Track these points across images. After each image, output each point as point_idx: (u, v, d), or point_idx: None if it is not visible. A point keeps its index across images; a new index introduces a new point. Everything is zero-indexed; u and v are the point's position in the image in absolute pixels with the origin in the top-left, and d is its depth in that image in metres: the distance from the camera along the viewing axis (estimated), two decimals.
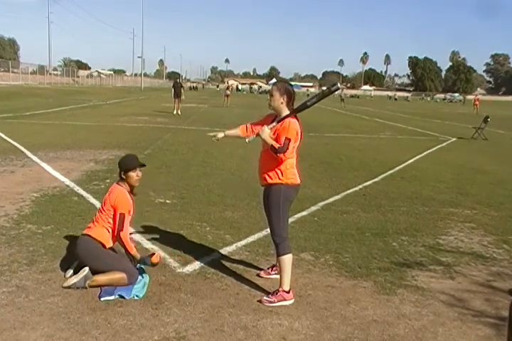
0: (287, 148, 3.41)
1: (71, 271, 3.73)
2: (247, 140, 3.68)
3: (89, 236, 3.71)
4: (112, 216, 3.71)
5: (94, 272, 3.61)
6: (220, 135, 3.79)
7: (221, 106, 31.19)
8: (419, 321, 3.36)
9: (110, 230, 3.72)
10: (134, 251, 3.74)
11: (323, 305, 3.53)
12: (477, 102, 41.89)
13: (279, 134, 3.47)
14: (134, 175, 3.76)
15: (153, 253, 3.80)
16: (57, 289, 3.54)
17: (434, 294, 3.82)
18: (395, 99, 79.86)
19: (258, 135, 3.55)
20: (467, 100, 72.71)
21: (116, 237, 3.70)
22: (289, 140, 3.42)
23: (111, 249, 3.76)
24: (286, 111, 3.55)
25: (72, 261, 3.88)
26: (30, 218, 5.19)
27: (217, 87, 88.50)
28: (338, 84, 3.61)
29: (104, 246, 3.69)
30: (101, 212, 3.78)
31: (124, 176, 3.76)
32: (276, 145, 3.42)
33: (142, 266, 3.92)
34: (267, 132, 3.50)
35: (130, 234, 4.14)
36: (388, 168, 9.51)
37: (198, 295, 3.57)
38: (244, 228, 5.24)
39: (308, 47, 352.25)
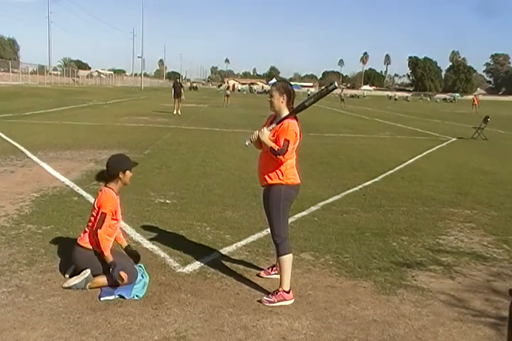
0: (287, 150, 3.41)
1: (70, 272, 3.73)
2: (246, 143, 3.67)
3: (81, 246, 3.67)
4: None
5: (95, 274, 3.61)
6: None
7: (221, 106, 31.22)
8: (419, 321, 3.36)
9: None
10: (107, 253, 3.55)
11: (323, 305, 3.53)
12: (476, 102, 42.17)
13: (278, 136, 3.46)
14: (131, 174, 3.78)
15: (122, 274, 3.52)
16: (57, 289, 3.54)
17: (434, 294, 3.82)
18: (395, 99, 79.67)
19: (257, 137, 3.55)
20: (468, 100, 71.92)
21: (93, 235, 3.59)
22: (288, 141, 3.42)
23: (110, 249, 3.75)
24: (286, 111, 3.55)
25: (71, 261, 3.87)
26: (30, 218, 5.19)
27: (218, 87, 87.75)
28: (335, 83, 3.59)
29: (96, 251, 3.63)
30: (91, 217, 3.72)
31: (121, 175, 3.73)
32: (276, 148, 3.42)
33: (142, 266, 3.93)
34: (266, 134, 3.50)
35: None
36: (388, 168, 9.51)
37: (198, 295, 3.57)
38: (244, 228, 5.24)
39: (308, 47, 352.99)
